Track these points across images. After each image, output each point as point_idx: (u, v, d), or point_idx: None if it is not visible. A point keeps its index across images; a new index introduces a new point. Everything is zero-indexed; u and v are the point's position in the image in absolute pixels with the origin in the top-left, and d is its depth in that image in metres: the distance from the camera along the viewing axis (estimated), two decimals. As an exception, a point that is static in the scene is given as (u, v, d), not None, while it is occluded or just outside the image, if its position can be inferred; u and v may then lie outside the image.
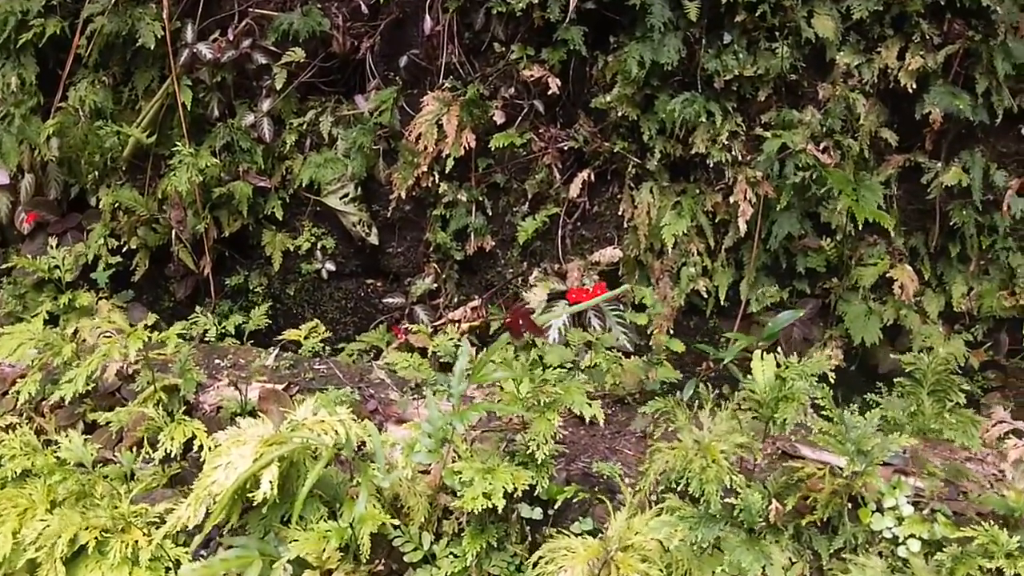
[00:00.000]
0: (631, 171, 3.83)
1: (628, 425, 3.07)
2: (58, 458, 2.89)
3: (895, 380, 3.09)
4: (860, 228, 3.53)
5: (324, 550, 2.49)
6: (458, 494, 2.54)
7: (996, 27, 3.48)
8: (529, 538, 2.72)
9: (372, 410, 3.14)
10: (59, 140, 4.26)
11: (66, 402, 3.10)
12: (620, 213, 3.88)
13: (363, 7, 3.96)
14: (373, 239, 4.16)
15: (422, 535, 2.65)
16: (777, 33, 3.57)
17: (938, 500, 2.53)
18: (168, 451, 2.95)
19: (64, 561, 2.61)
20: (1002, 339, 3.82)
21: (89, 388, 3.13)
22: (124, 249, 4.34)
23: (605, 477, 2.77)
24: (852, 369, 3.79)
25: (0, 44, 4.22)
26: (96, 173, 4.33)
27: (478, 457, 2.72)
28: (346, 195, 4.12)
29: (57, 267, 4.03)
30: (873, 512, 2.49)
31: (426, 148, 3.89)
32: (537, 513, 2.71)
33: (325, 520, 2.60)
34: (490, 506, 2.47)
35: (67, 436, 2.93)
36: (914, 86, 3.54)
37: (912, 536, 2.44)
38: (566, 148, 3.90)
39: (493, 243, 4.05)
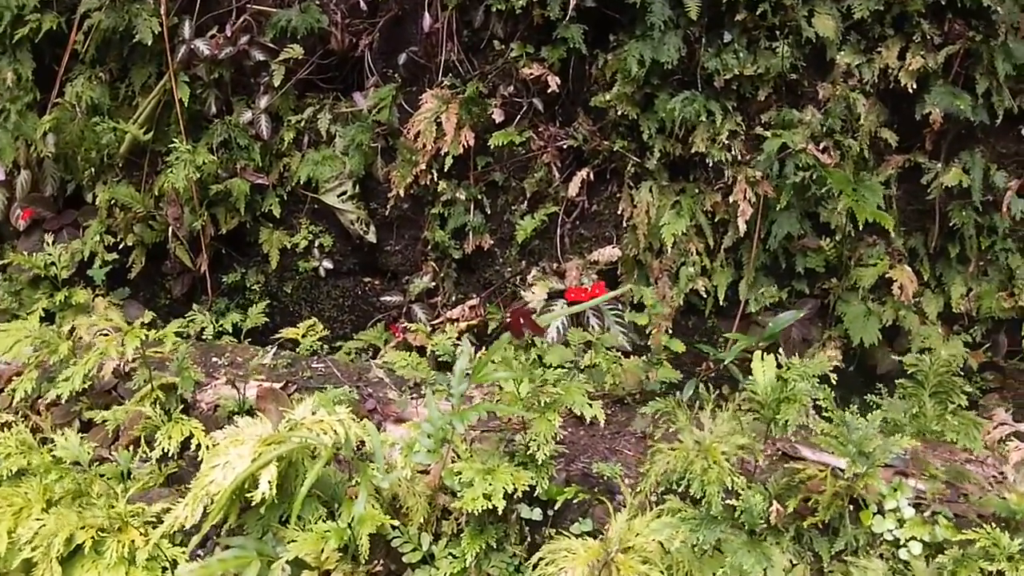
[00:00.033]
0: (630, 170, 3.82)
1: (628, 425, 3.06)
2: (54, 457, 2.87)
3: (897, 381, 3.08)
4: (860, 228, 3.52)
5: (323, 550, 2.48)
6: (458, 495, 2.53)
7: (997, 27, 3.47)
8: (528, 539, 2.71)
9: (371, 409, 3.12)
10: (55, 136, 4.24)
11: (63, 400, 3.08)
12: (619, 212, 3.87)
13: (362, 4, 3.95)
14: (371, 237, 4.15)
15: (421, 535, 2.64)
16: (777, 32, 3.56)
17: (939, 502, 2.53)
18: (165, 450, 2.94)
19: (60, 561, 2.59)
20: (1000, 340, 3.82)
21: (86, 386, 3.11)
22: (120, 246, 4.32)
23: (605, 478, 2.76)
24: (850, 370, 3.79)
25: (-4, 39, 4.21)
26: (92, 169, 4.31)
27: (478, 457, 2.71)
28: (344, 193, 4.10)
29: (53, 264, 4.01)
30: (874, 514, 2.49)
31: (425, 146, 3.87)
32: (536, 514, 2.70)
33: (323, 520, 2.59)
34: (490, 507, 2.46)
35: (63, 434, 2.91)
36: (914, 86, 3.53)
37: (913, 538, 2.44)
38: (565, 147, 3.89)
39: (491, 242, 4.04)
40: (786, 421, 2.46)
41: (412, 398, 3.23)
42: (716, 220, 3.78)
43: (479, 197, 4.00)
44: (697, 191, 3.78)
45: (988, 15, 3.47)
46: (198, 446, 2.94)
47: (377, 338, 4.15)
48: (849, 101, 3.60)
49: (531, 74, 3.76)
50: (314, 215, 4.26)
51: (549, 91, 3.76)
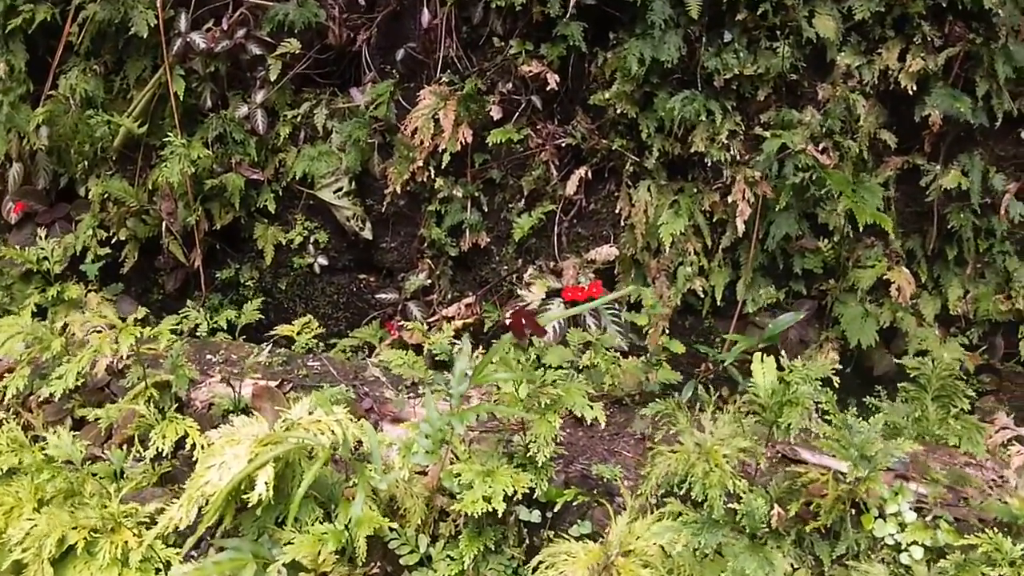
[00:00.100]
0: (629, 169, 3.80)
1: (627, 427, 3.04)
2: (46, 455, 2.84)
3: (899, 385, 3.07)
4: (859, 230, 3.51)
5: (320, 553, 2.45)
6: (457, 497, 2.51)
7: (997, 30, 3.47)
8: (527, 541, 2.69)
9: (367, 409, 3.09)
10: (49, 129, 4.19)
11: (55, 398, 3.04)
12: (617, 211, 3.85)
13: (360, -1, 3.92)
14: (367, 234, 4.12)
15: (418, 537, 2.62)
16: (778, 32, 3.54)
17: (940, 506, 2.52)
18: (159, 449, 2.90)
19: (52, 562, 2.56)
20: (997, 343, 3.82)
21: (78, 384, 3.07)
22: (113, 240, 4.28)
23: (604, 480, 2.75)
24: (847, 371, 3.78)
25: (-11, 30, 4.15)
26: (86, 163, 4.26)
27: (477, 459, 2.69)
28: (340, 189, 4.07)
29: (46, 258, 3.95)
30: (876, 518, 2.48)
31: (422, 143, 3.84)
32: (535, 516, 2.68)
33: (320, 521, 2.56)
34: (490, 510, 2.43)
35: (55, 433, 2.88)
36: (914, 88, 3.52)
37: (914, 543, 2.44)
38: (563, 145, 3.86)
39: (488, 240, 4.01)
40: (789, 424, 2.45)
41: (409, 397, 3.21)
42: (714, 220, 3.77)
43: (476, 195, 3.97)
44: (696, 191, 3.77)
45: (989, 18, 3.46)
46: (192, 445, 2.90)
47: (372, 336, 4.12)
48: (849, 102, 3.59)
49: (530, 71, 3.73)
50: (309, 211, 4.22)
51: (548, 89, 3.73)
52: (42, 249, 3.97)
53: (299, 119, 4.13)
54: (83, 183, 4.33)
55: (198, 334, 3.82)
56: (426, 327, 3.95)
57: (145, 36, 3.96)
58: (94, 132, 4.09)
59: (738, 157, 3.66)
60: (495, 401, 2.93)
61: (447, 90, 3.86)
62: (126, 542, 2.62)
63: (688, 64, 3.63)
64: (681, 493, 2.49)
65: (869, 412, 2.89)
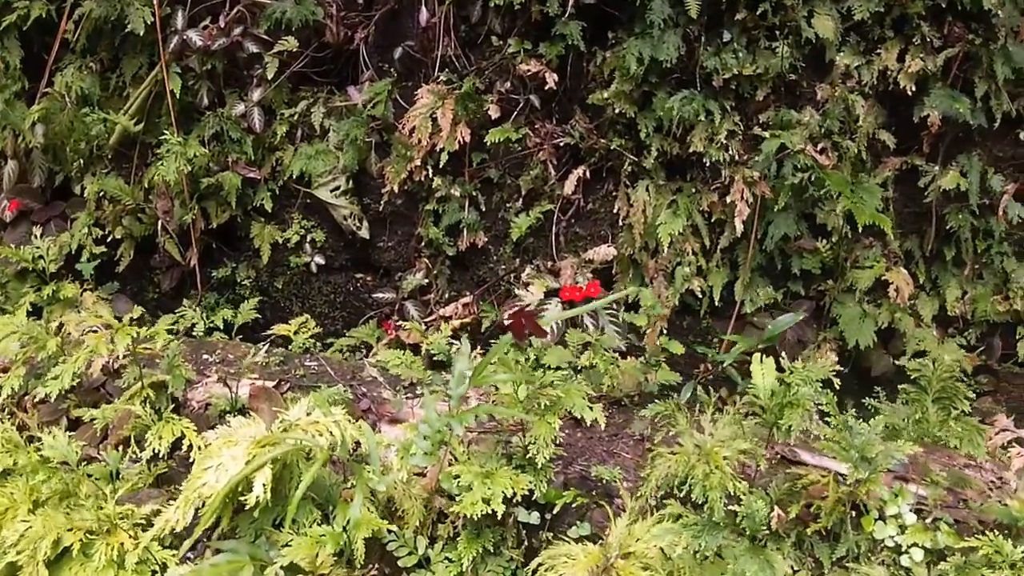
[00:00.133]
0: (627, 169, 3.79)
1: (626, 428, 3.03)
2: (41, 456, 2.81)
3: (899, 387, 3.07)
4: (859, 231, 3.50)
5: (318, 555, 2.44)
6: (457, 499, 2.50)
7: (996, 31, 3.47)
8: (526, 543, 2.68)
9: (365, 409, 3.08)
10: (44, 126, 4.17)
11: (51, 399, 3.02)
12: (615, 211, 3.84)
13: (358, -3, 3.90)
14: (364, 233, 4.10)
15: (417, 539, 2.61)
16: (777, 32, 3.53)
17: (940, 508, 2.51)
18: (155, 450, 2.89)
19: (47, 564, 2.54)
20: (995, 344, 3.82)
21: (74, 384, 3.05)
22: (109, 239, 4.26)
23: (604, 481, 2.73)
24: (845, 372, 3.77)
25: (-17, 26, 4.13)
26: (81, 161, 4.24)
27: (476, 460, 2.67)
28: (337, 188, 4.05)
29: (41, 257, 3.93)
30: (876, 520, 2.47)
31: (420, 142, 3.83)
32: (534, 517, 2.67)
33: (318, 523, 2.55)
34: (489, 511, 2.42)
35: (51, 433, 2.85)
36: (913, 88, 3.52)
37: (915, 545, 2.43)
38: (562, 144, 3.85)
39: (486, 239, 4.00)
40: (789, 426, 2.44)
41: (407, 398, 3.19)
42: (713, 220, 3.76)
43: (474, 194, 3.96)
44: (694, 191, 3.76)
45: (988, 19, 3.46)
46: (189, 446, 2.88)
47: (369, 335, 4.11)
48: (848, 102, 3.59)
49: (528, 70, 3.72)
50: (306, 210, 4.21)
51: (546, 88, 3.72)
52: (37, 248, 3.96)
53: (296, 117, 4.11)
54: (79, 181, 4.31)
55: (194, 334, 3.81)
56: (423, 327, 3.94)
57: (141, 33, 3.94)
58: (90, 130, 4.07)
59: (737, 157, 3.65)
60: (494, 402, 2.92)
61: (445, 89, 3.85)
62: (122, 544, 2.60)
63: (687, 64, 3.62)
64: (681, 495, 2.48)
65: (868, 413, 2.88)
